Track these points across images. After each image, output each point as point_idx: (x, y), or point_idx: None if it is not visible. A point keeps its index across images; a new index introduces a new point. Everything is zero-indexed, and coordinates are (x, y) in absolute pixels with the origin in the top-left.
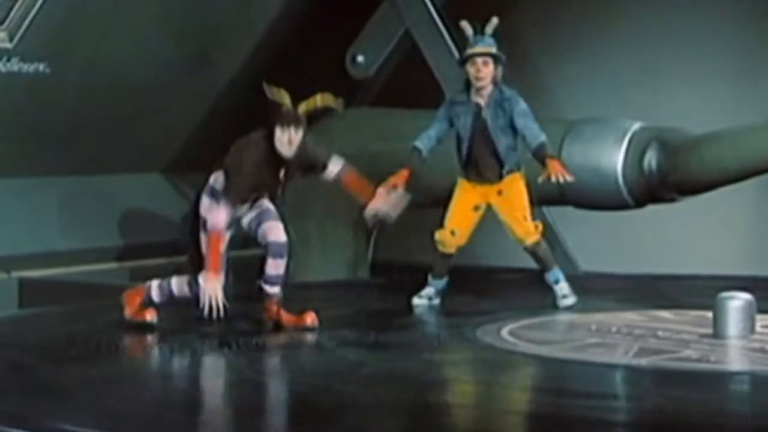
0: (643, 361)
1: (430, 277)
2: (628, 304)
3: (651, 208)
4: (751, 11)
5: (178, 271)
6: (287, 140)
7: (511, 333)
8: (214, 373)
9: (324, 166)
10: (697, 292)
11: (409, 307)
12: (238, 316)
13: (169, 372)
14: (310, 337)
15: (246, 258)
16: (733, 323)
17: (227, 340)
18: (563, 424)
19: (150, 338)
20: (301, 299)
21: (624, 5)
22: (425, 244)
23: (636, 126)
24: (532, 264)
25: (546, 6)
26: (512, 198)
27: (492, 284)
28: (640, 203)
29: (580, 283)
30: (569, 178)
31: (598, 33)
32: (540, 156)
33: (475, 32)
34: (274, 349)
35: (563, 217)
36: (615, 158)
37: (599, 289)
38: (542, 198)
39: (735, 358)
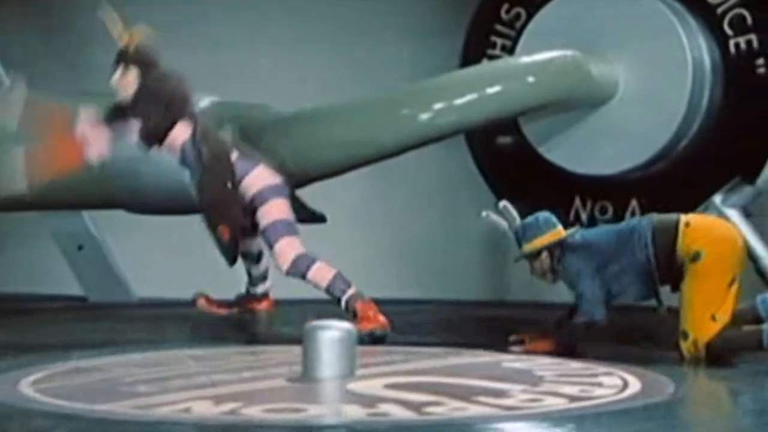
0: (209, 415)
1: None
2: (204, 340)
3: None
4: None
5: None
6: None
7: (35, 384)
8: None
9: None
10: (294, 319)
11: None
12: None
13: None
14: None
15: None
16: (327, 361)
17: None
18: None
19: None
20: None
21: None
22: None
23: (206, 102)
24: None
25: None
26: None
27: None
28: None
29: (135, 313)
30: None
31: None
32: None
33: None
34: None
35: (114, 227)
36: None
37: (160, 320)
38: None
39: (326, 408)
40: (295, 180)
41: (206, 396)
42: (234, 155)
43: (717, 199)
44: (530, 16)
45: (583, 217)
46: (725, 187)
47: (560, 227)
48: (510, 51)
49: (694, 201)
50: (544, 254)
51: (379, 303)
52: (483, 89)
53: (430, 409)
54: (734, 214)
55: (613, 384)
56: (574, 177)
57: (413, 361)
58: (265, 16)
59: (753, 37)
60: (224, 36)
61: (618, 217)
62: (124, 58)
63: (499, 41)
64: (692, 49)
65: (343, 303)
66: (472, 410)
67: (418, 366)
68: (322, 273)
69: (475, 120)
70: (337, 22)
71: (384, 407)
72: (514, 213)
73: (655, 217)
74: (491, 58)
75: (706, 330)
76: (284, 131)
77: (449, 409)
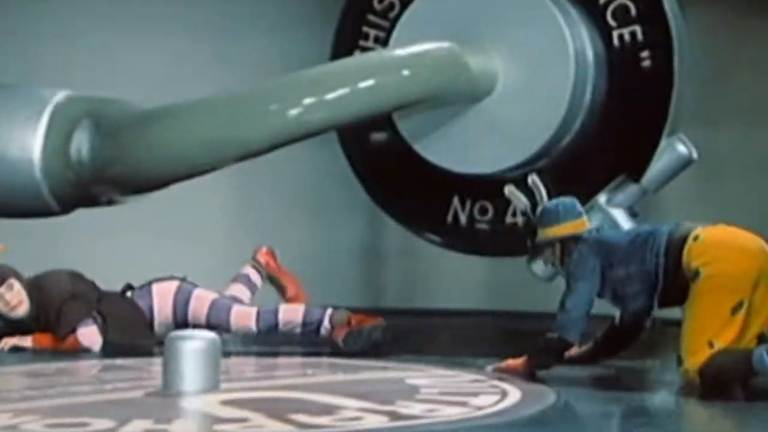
0: None
1: None
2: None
3: (82, 215)
4: None
5: None
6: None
7: None
8: None
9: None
10: None
11: None
12: None
13: None
14: None
15: None
16: (190, 374)
17: None
18: None
19: None
20: None
21: None
22: None
23: (60, 96)
24: None
25: None
26: None
27: None
28: (67, 207)
29: None
30: None
31: None
32: None
33: None
34: None
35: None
36: (30, 142)
37: None
38: None
39: (113, 423)
40: (153, 182)
41: (16, 409)
42: (128, 295)
43: (602, 198)
44: (404, 6)
45: (462, 218)
46: (610, 185)
47: (583, 218)
48: (384, 43)
49: (579, 200)
50: (557, 245)
51: None
52: (355, 83)
53: (224, 427)
54: (619, 214)
55: (477, 404)
56: (452, 175)
57: (314, 376)
58: (128, 8)
59: (637, 28)
60: (86, 26)
61: (499, 218)
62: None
63: (372, 32)
64: (574, 41)
65: (326, 324)
66: (264, 430)
67: (302, 381)
68: (291, 311)
69: (347, 116)
70: (203, 13)
71: (174, 424)
72: (543, 191)
73: (678, 224)
74: (364, 50)
75: (700, 357)
76: (144, 128)
77: (243, 426)
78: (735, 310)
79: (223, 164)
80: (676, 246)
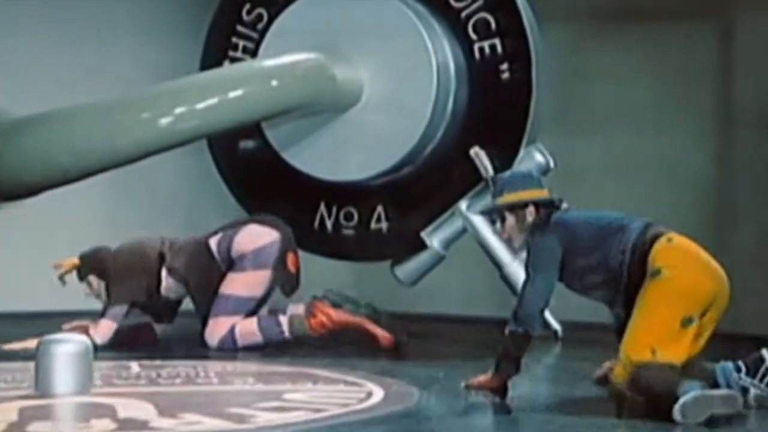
0: None
1: None
2: None
3: None
4: None
5: None
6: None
7: None
8: None
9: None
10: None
11: None
12: None
13: None
14: None
15: None
16: (62, 376)
17: None
18: None
19: None
20: None
21: None
22: None
23: None
24: None
25: None
26: None
27: None
28: None
29: None
30: None
31: None
32: None
33: None
34: None
35: None
36: None
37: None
38: None
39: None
40: (25, 189)
41: None
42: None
43: (463, 204)
44: (273, 18)
45: (328, 223)
46: (471, 192)
47: (544, 189)
48: (252, 53)
49: (441, 207)
50: (519, 213)
51: None
52: (225, 93)
53: None
54: (479, 221)
55: (263, 418)
56: (319, 183)
57: (203, 385)
58: None
59: (497, 41)
60: None
61: (363, 225)
62: (79, 275)
63: (241, 43)
64: (437, 54)
65: (287, 335)
66: None
67: (172, 389)
68: (248, 330)
69: (217, 125)
70: (72, 18)
71: None
72: (487, 163)
73: (651, 224)
74: (233, 60)
75: (637, 358)
76: (16, 136)
77: None
78: (684, 323)
79: (95, 172)
80: (644, 244)
